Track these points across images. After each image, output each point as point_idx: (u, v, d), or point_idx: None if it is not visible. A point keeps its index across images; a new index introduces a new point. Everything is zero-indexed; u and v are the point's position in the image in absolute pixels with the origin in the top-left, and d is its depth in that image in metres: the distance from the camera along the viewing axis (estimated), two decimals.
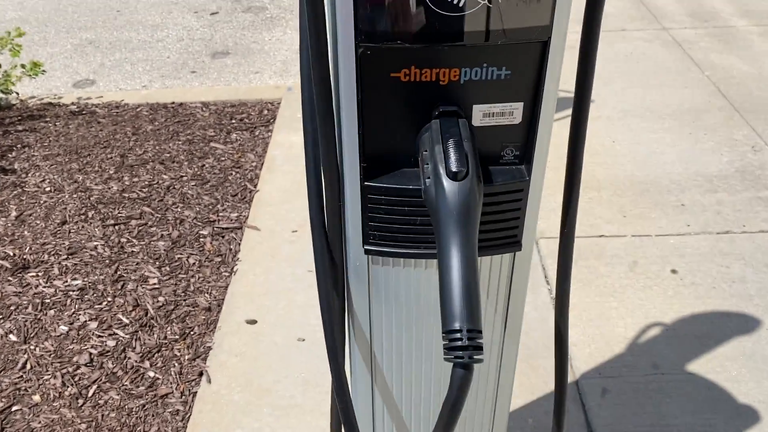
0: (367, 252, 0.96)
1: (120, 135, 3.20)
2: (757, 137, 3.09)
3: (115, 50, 4.40)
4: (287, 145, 3.15)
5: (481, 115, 0.87)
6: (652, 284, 2.34)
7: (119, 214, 2.66)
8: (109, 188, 2.81)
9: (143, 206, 2.71)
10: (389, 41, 0.78)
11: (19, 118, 3.36)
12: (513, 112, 0.86)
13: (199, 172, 2.93)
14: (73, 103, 3.52)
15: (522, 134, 0.89)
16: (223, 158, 3.05)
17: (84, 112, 3.42)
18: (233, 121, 3.36)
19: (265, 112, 3.47)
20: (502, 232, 0.94)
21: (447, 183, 0.78)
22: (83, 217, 2.65)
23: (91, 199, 2.74)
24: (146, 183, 2.85)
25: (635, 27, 4.20)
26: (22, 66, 3.31)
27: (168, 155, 3.04)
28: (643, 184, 2.83)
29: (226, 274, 2.39)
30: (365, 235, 0.95)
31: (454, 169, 0.77)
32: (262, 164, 3.01)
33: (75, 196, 2.76)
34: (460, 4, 0.75)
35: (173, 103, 3.51)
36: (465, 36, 0.78)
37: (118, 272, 2.38)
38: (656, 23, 4.24)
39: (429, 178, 0.81)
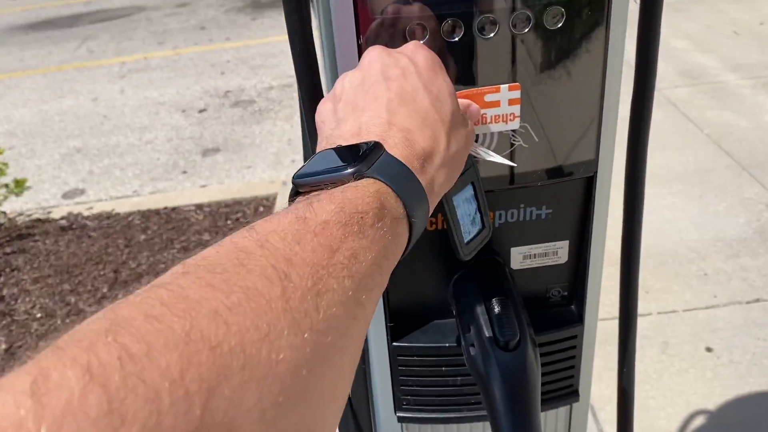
0: (400, 420, 0.82)
1: (112, 248, 3.09)
2: None
3: (104, 156, 4.34)
4: None
5: (521, 257, 0.75)
6: (688, 366, 2.18)
7: None
8: (103, 308, 2.67)
9: None
10: None
11: (8, 239, 3.25)
12: (557, 252, 0.75)
13: None
14: (62, 218, 3.42)
15: (569, 273, 0.77)
16: None
17: (74, 227, 3.31)
18: (229, 222, 3.26)
19: (261, 209, 3.38)
20: (557, 383, 0.81)
21: (498, 354, 0.65)
22: None
23: None
24: None
25: (627, 90, 4.17)
26: (6, 185, 3.23)
27: (163, 266, 2.92)
28: (661, 255, 2.71)
29: None
30: (397, 400, 0.81)
31: (505, 337, 0.65)
32: None
33: (68, 320, 2.61)
34: (491, 147, 0.65)
35: (165, 208, 3.41)
36: (495, 181, 0.67)
37: None
38: None
39: (473, 345, 0.68)
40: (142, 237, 3.17)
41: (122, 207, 3.50)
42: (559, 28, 0.59)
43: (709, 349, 2.24)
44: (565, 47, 0.61)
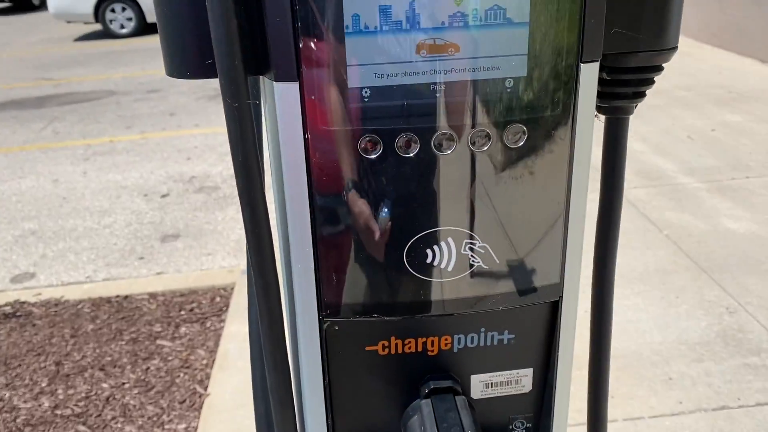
0: None
1: (57, 338, 2.92)
2: (729, 297, 3.01)
3: (59, 240, 4.21)
4: (242, 337, 2.91)
5: (482, 386, 0.69)
6: None
7: None
8: (40, 405, 2.49)
9: (78, 424, 2.38)
10: (363, 315, 0.61)
11: None
12: (521, 380, 0.69)
13: (143, 377, 2.64)
14: (7, 304, 3.25)
15: (534, 404, 0.71)
16: (170, 357, 2.78)
17: (18, 314, 3.14)
18: (182, 312, 3.13)
19: (218, 299, 3.26)
20: None
21: None
22: None
23: (17, 421, 2.40)
24: (83, 395, 2.54)
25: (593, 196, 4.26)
26: None
27: (109, 359, 2.76)
28: (625, 358, 2.66)
29: None
30: None
31: None
32: (214, 361, 2.75)
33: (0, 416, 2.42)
34: (449, 268, 0.60)
35: (118, 296, 3.27)
36: (455, 304, 0.61)
37: None
38: None
39: None
40: (90, 327, 3.01)
41: (72, 294, 3.35)
42: (520, 146, 0.56)
43: None
44: (527, 166, 0.57)
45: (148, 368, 2.70)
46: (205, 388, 2.58)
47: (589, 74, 0.55)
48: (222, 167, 5.27)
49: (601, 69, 0.60)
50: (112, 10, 11.40)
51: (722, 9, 7.70)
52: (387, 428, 0.69)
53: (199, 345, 2.88)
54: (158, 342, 2.89)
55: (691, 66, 7.20)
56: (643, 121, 5.47)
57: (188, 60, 0.53)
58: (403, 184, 0.56)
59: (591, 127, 0.58)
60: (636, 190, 4.19)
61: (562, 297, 0.63)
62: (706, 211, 3.86)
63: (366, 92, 0.53)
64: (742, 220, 3.72)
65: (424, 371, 0.67)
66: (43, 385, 2.61)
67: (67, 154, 5.84)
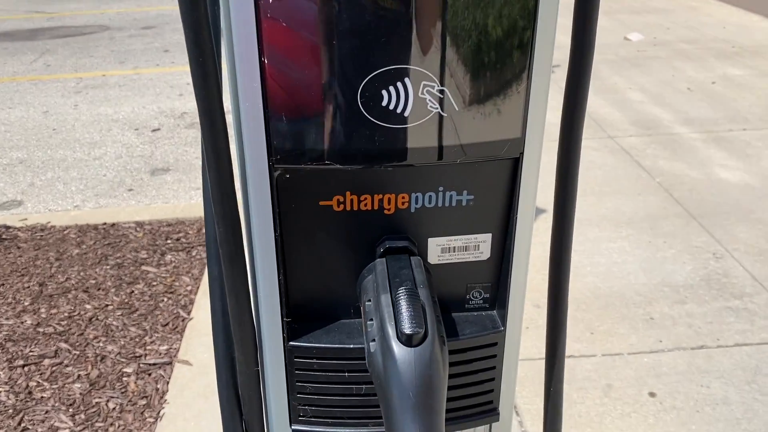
0: None
1: (41, 261, 2.92)
2: (717, 243, 3.01)
3: (48, 169, 4.17)
4: None
5: (439, 250, 0.67)
6: (631, 411, 2.12)
7: (30, 353, 2.33)
8: (22, 322, 2.49)
9: (60, 342, 2.39)
10: (315, 162, 0.59)
11: None
12: (479, 246, 0.67)
13: (126, 300, 2.65)
14: None
15: (492, 272, 0.70)
16: (154, 283, 2.78)
17: (3, 238, 3.13)
18: (168, 241, 3.12)
19: (204, 230, 3.24)
20: (473, 398, 0.72)
21: (399, 349, 0.56)
22: None
23: None
24: (66, 315, 2.54)
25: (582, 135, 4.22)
26: None
27: (93, 282, 2.76)
28: (608, 297, 2.67)
29: (151, 420, 2.07)
30: (293, 411, 0.71)
31: (407, 330, 0.56)
32: (198, 287, 2.75)
33: None
34: (405, 113, 0.57)
35: (104, 224, 3.26)
36: (412, 154, 0.59)
37: (23, 424, 2.03)
38: (602, 131, 4.28)
39: (374, 340, 0.59)
40: (75, 251, 3.00)
41: (59, 220, 3.33)
42: None
43: (652, 394, 2.18)
44: (493, 9, 0.54)
45: (132, 292, 2.70)
46: (189, 313, 2.58)
47: None
48: None
49: None
50: None
51: None
52: (341, 289, 0.68)
53: (184, 272, 2.87)
54: (143, 268, 2.89)
55: (696, 20, 7.07)
56: (642, 72, 5.39)
57: None
58: (358, 15, 0.53)
59: None
60: (631, 138, 4.16)
61: (522, 154, 0.61)
62: (701, 160, 3.83)
63: None
64: (735, 170, 3.70)
65: (381, 232, 0.65)
66: (26, 303, 2.61)
67: (58, 86, 5.75)
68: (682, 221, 3.20)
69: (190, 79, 5.92)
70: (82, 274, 2.82)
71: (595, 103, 4.77)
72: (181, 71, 6.08)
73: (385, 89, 0.56)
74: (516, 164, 0.62)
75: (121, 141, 4.60)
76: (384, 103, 0.56)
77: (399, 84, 0.56)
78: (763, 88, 4.98)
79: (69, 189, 3.91)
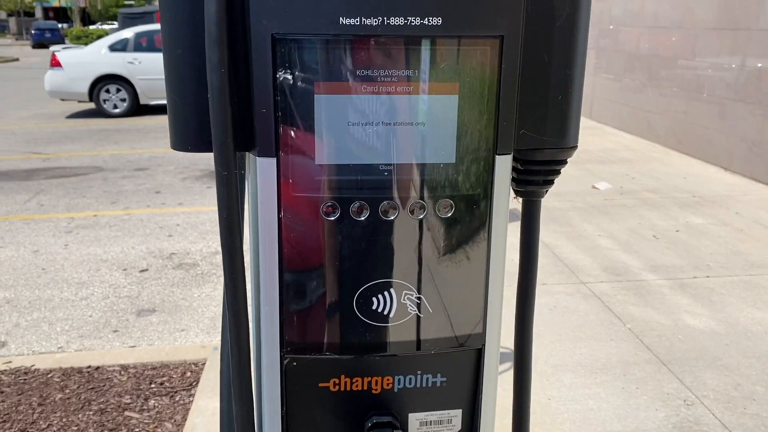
0: None
1: (24, 406, 2.92)
2: (687, 390, 3.11)
3: (34, 309, 4.23)
4: (210, 412, 2.93)
5: (418, 423, 0.80)
6: None
7: None
8: None
9: None
10: (318, 353, 0.73)
11: None
12: (451, 420, 0.80)
13: None
14: None
15: None
16: (137, 429, 2.78)
17: None
18: (152, 385, 3.15)
19: (188, 374, 3.29)
20: None
21: None
22: None
23: None
24: None
25: (555, 281, 4.42)
26: None
27: (75, 428, 2.76)
28: None
29: None
30: None
31: None
32: None
33: None
34: (390, 315, 0.73)
35: (89, 367, 3.29)
36: (396, 346, 0.74)
37: None
38: (574, 277, 4.48)
39: None
40: (59, 396, 3.02)
41: (43, 363, 3.36)
42: (448, 217, 0.70)
43: None
44: (454, 233, 0.71)
45: None
46: None
47: (504, 163, 0.71)
48: (202, 245, 5.38)
49: (516, 160, 0.75)
50: (107, 91, 11.77)
51: (688, 119, 8.19)
52: None
53: (167, 418, 2.89)
54: (126, 413, 2.90)
55: (659, 170, 7.57)
56: (611, 219, 5.72)
57: (190, 136, 0.67)
58: (355, 242, 0.70)
59: (506, 205, 0.73)
60: (602, 284, 4.36)
61: (484, 345, 0.76)
62: (668, 306, 4.02)
63: (329, 168, 0.68)
64: (701, 317, 3.88)
65: (369, 408, 0.78)
66: None
67: (50, 226, 5.92)
68: (653, 367, 3.32)
69: (179, 220, 6.11)
70: (64, 420, 2.83)
71: (566, 249, 5.03)
72: (171, 212, 6.31)
73: (376, 297, 0.72)
74: (480, 353, 0.77)
75: (108, 281, 4.70)
76: (374, 307, 0.72)
77: (386, 293, 0.72)
78: (722, 236, 5.30)
79: (54, 330, 3.95)
